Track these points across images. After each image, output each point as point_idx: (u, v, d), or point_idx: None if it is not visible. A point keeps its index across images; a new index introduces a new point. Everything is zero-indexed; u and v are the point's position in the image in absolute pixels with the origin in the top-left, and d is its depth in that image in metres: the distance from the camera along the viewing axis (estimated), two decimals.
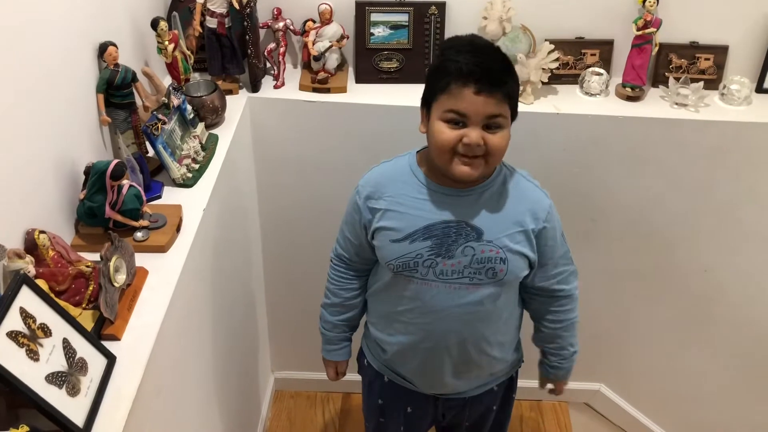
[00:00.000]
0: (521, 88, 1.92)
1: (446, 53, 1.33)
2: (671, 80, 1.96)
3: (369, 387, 1.74)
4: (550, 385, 1.76)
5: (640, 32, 1.90)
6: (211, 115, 1.76)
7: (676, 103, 1.95)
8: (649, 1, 1.87)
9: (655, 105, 1.97)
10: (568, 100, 1.98)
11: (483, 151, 1.31)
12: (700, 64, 2.00)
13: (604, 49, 2.01)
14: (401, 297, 1.50)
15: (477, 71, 1.27)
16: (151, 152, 1.60)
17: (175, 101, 1.60)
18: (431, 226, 1.40)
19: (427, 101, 1.37)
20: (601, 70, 1.99)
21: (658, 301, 2.30)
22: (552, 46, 1.91)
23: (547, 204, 1.46)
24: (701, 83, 1.93)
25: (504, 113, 1.31)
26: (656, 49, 1.94)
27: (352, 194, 1.51)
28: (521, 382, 1.76)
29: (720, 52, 1.99)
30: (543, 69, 1.90)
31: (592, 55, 2.01)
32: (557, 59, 1.92)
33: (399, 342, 1.56)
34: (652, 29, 1.89)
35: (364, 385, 1.77)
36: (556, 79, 2.00)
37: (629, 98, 1.98)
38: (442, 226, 1.40)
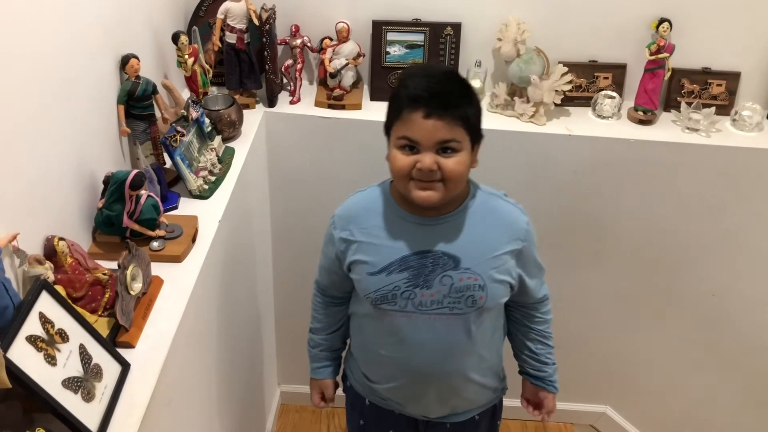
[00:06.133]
0: (533, 109, 1.95)
1: (402, 80, 1.32)
2: (683, 105, 1.98)
3: (351, 407, 1.72)
4: (538, 414, 1.66)
5: (653, 57, 1.93)
6: (228, 128, 1.79)
7: (688, 128, 1.97)
8: (663, 27, 1.90)
9: (667, 129, 1.99)
10: (580, 123, 2.00)
11: (439, 176, 1.27)
12: (712, 89, 2.02)
13: (617, 72, 2.03)
14: (380, 332, 1.47)
15: (425, 95, 1.24)
16: (168, 163, 1.63)
17: (194, 114, 1.63)
18: (407, 257, 1.37)
19: (387, 129, 1.34)
20: (614, 94, 2.01)
21: (665, 324, 2.30)
22: (565, 69, 1.93)
23: (524, 222, 1.42)
24: (713, 108, 1.95)
25: (457, 137, 1.26)
26: (669, 74, 1.96)
27: (328, 226, 1.49)
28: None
29: (732, 78, 2.01)
30: (556, 91, 1.92)
31: (605, 78, 2.03)
32: (570, 81, 1.95)
33: (381, 372, 1.55)
34: (665, 54, 1.92)
35: (347, 404, 1.75)
36: (568, 101, 2.02)
37: (641, 122, 2.00)
38: (418, 257, 1.37)
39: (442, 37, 1.99)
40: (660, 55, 1.92)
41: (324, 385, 1.70)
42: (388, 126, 1.33)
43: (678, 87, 2.03)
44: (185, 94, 1.85)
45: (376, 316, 1.46)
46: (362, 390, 1.64)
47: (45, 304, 1.04)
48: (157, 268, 1.35)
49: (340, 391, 1.73)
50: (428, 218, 1.37)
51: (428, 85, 1.25)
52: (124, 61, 1.47)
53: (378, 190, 1.46)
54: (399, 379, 1.52)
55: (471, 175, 1.38)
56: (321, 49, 1.99)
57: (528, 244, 1.42)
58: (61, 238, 1.20)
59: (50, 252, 1.19)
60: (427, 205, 1.31)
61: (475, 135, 1.31)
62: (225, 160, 1.73)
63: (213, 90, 1.90)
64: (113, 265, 1.26)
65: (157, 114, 1.60)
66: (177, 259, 1.40)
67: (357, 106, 1.99)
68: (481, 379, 1.53)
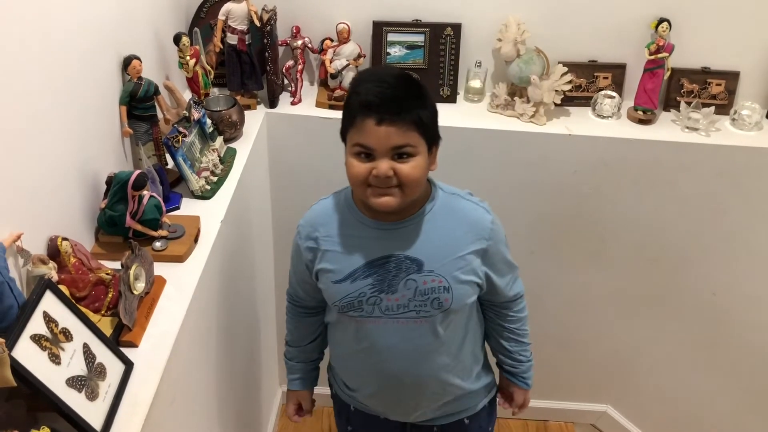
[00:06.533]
0: (533, 109, 1.95)
1: (354, 86, 1.30)
2: (683, 104, 1.98)
3: (338, 414, 1.72)
4: (508, 407, 1.68)
5: (652, 57, 1.93)
6: (229, 129, 1.80)
7: (687, 127, 1.97)
8: (662, 27, 1.90)
9: (667, 128, 1.99)
10: (580, 122, 2.00)
11: (396, 182, 1.26)
12: (711, 89, 2.02)
13: (617, 72, 2.04)
14: (350, 339, 1.48)
15: (376, 101, 1.22)
16: (170, 164, 1.63)
17: (196, 115, 1.63)
18: (370, 263, 1.37)
19: (342, 136, 1.33)
20: (614, 93, 2.01)
21: (666, 323, 2.30)
22: (565, 69, 1.94)
23: (488, 220, 1.40)
24: (712, 108, 1.95)
25: (412, 142, 1.24)
26: (668, 73, 1.97)
27: (294, 236, 1.49)
28: None
29: (731, 77, 2.02)
30: (556, 91, 1.93)
31: (604, 78, 2.04)
32: (570, 81, 1.95)
33: (358, 380, 1.55)
34: (664, 54, 1.92)
35: (334, 411, 1.75)
36: (568, 101, 2.03)
37: (641, 121, 2.00)
38: (381, 262, 1.36)
39: (443, 38, 2.00)
40: (659, 55, 1.93)
41: (300, 396, 1.69)
42: (344, 133, 1.32)
43: (677, 86, 2.03)
44: (187, 95, 1.86)
45: (345, 323, 1.47)
46: (345, 397, 1.64)
47: (49, 303, 1.05)
48: (159, 268, 1.36)
49: (325, 390, 1.73)
50: (389, 223, 1.37)
51: (379, 91, 1.23)
52: (126, 62, 1.48)
53: (339, 197, 1.44)
54: (374, 386, 1.52)
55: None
56: (322, 50, 2.00)
57: (494, 243, 1.40)
58: (64, 238, 1.21)
59: (54, 252, 1.20)
60: (385, 210, 1.30)
61: (432, 137, 1.30)
62: (226, 160, 1.74)
63: (214, 91, 1.91)
64: (116, 265, 1.27)
65: (159, 115, 1.61)
66: (179, 259, 1.41)
67: None
68: (459, 382, 1.52)
